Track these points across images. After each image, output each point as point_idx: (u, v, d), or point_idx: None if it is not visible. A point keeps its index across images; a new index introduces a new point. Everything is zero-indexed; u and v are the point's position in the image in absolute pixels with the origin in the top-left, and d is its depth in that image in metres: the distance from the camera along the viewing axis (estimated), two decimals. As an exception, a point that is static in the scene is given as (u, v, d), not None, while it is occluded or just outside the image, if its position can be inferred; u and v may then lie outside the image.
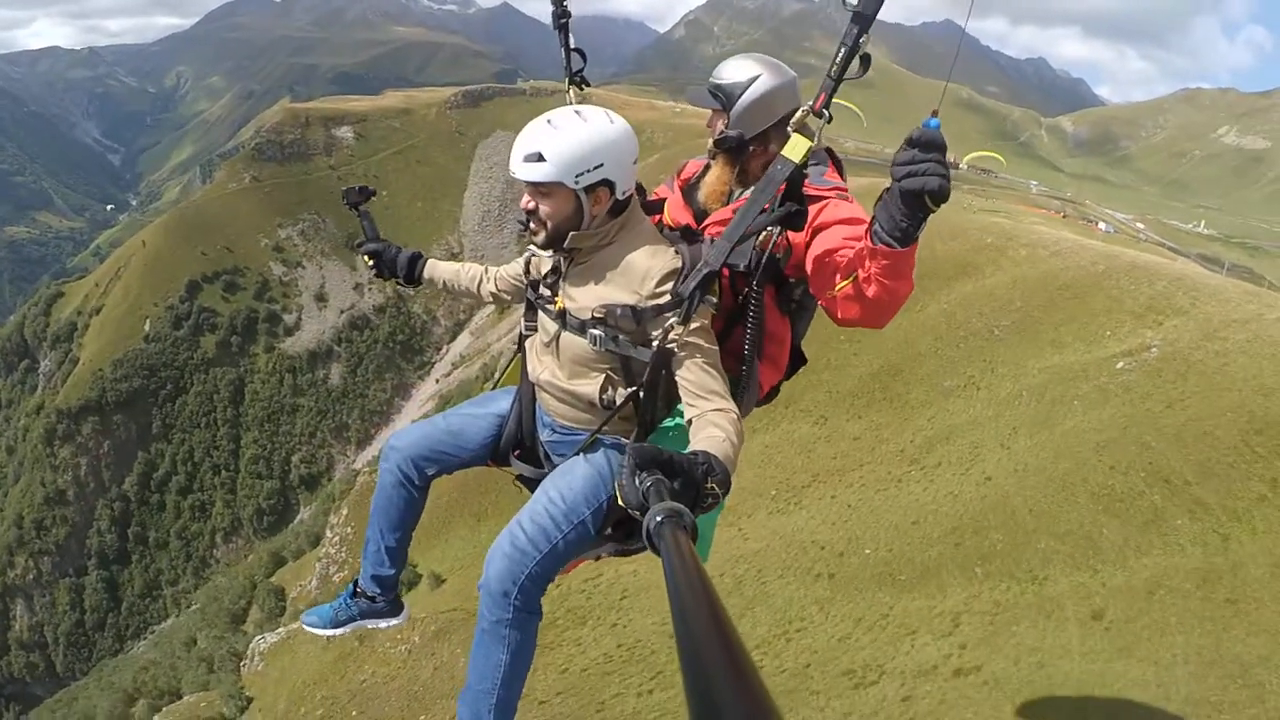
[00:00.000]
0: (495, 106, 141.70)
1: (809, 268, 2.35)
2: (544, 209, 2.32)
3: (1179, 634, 7.88)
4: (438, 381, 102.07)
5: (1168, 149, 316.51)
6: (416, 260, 3.02)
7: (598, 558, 2.79)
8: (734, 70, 2.54)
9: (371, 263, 2.99)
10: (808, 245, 2.37)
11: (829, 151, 2.65)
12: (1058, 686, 7.69)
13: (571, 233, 2.33)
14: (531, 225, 2.37)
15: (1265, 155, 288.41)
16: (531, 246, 2.58)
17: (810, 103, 2.22)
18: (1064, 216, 77.16)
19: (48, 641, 79.87)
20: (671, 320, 2.24)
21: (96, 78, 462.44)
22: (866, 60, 2.05)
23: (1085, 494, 11.39)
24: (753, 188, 2.31)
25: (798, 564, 13.74)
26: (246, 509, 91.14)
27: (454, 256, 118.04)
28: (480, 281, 3.01)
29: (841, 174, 2.64)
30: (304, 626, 3.12)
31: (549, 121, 2.26)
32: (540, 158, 2.22)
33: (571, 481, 2.44)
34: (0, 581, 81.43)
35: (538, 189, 2.30)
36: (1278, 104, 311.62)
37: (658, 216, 2.71)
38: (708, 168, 2.73)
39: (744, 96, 2.51)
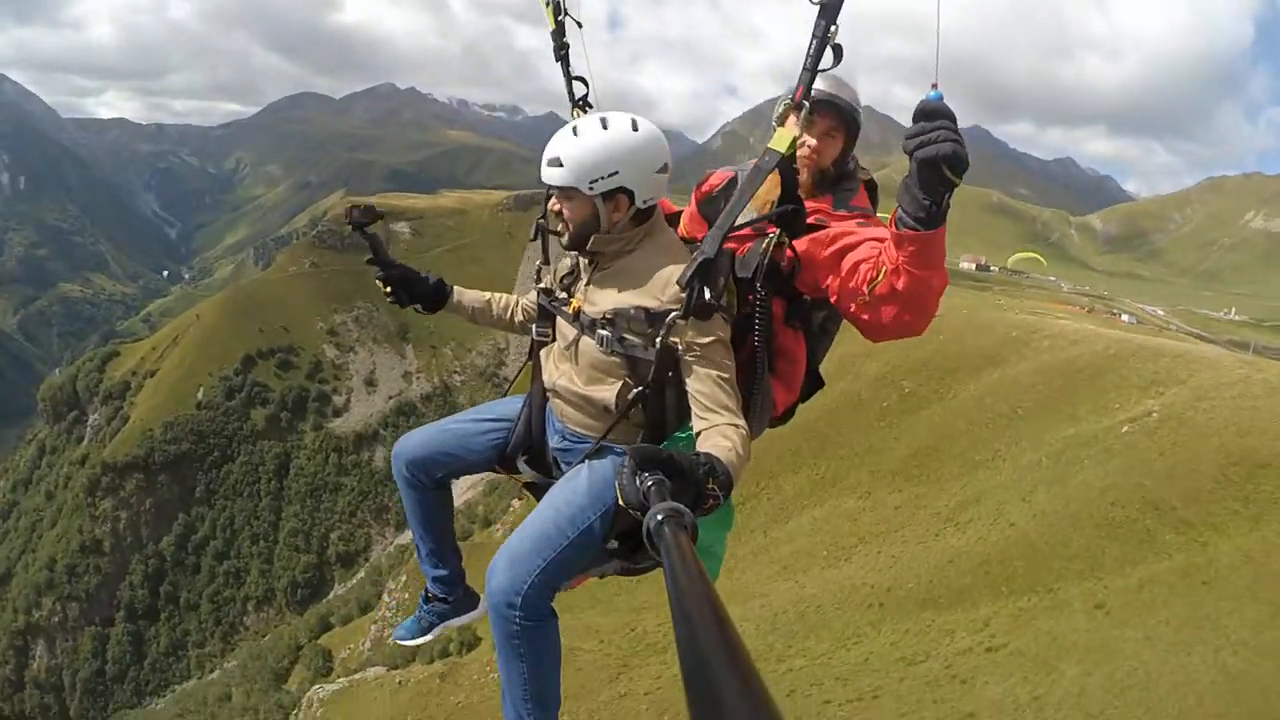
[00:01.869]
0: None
1: (839, 284, 2.33)
2: (565, 211, 2.37)
3: (1164, 609, 10.16)
4: (480, 475, 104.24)
5: (1196, 239, 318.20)
6: (441, 287, 2.97)
7: (602, 575, 2.77)
8: (836, 85, 2.52)
9: (389, 288, 2.89)
10: (836, 264, 2.36)
11: (868, 183, 2.70)
12: (1066, 651, 9.97)
13: (594, 236, 2.37)
14: (559, 225, 2.43)
15: None
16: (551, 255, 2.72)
17: (790, 94, 2.25)
18: (1089, 311, 79.56)
19: (64, 685, 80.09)
20: (675, 314, 2.22)
21: (160, 153, 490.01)
22: (839, 51, 2.09)
23: (1090, 526, 13.72)
24: (744, 177, 2.35)
25: (851, 599, 15.94)
26: (281, 580, 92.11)
27: (500, 352, 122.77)
28: (511, 310, 3.03)
29: (874, 200, 2.68)
30: (396, 642, 3.18)
31: (574, 128, 2.31)
32: (559, 163, 2.27)
33: (576, 487, 2.42)
34: (25, 620, 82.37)
35: (561, 192, 2.35)
36: None
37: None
38: (730, 182, 2.74)
39: (859, 120, 2.60)
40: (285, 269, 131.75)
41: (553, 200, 2.40)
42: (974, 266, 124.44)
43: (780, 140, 2.20)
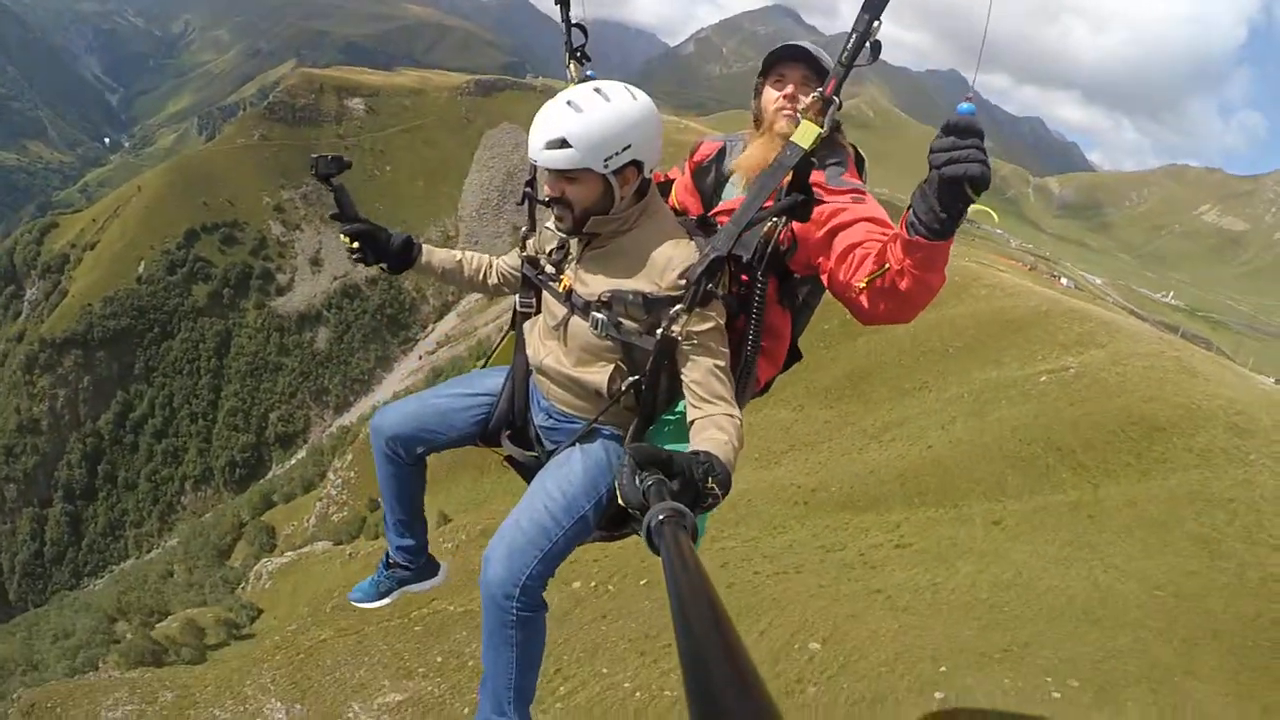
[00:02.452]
0: (505, 99, 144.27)
1: (831, 264, 2.32)
2: (571, 194, 2.22)
3: (1051, 532, 11.93)
4: (420, 358, 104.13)
5: (1149, 220, 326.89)
6: (410, 245, 2.80)
7: (580, 542, 2.74)
8: (813, 47, 2.53)
9: (356, 245, 2.70)
10: (828, 244, 2.35)
11: (855, 149, 2.66)
12: (963, 554, 11.71)
13: (594, 217, 2.26)
14: (557, 211, 2.29)
15: (1242, 237, 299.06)
16: (541, 224, 2.58)
17: (821, 89, 2.14)
18: (1031, 269, 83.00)
19: (2, 569, 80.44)
20: (679, 307, 2.17)
21: (104, 13, 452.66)
22: (877, 48, 2.02)
23: (999, 456, 15.54)
24: (760, 173, 2.26)
25: (779, 496, 17.68)
26: (219, 459, 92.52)
27: (449, 240, 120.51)
28: (485, 271, 2.90)
29: (861, 173, 2.64)
30: (351, 603, 3.17)
31: (569, 103, 2.14)
32: (565, 143, 2.10)
33: (570, 475, 2.39)
34: None
35: (563, 175, 2.19)
36: (1262, 189, 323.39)
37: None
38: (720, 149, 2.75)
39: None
40: (233, 140, 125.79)
41: (549, 186, 2.26)
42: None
43: (804, 135, 2.13)
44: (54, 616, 57.98)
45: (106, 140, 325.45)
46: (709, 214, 2.61)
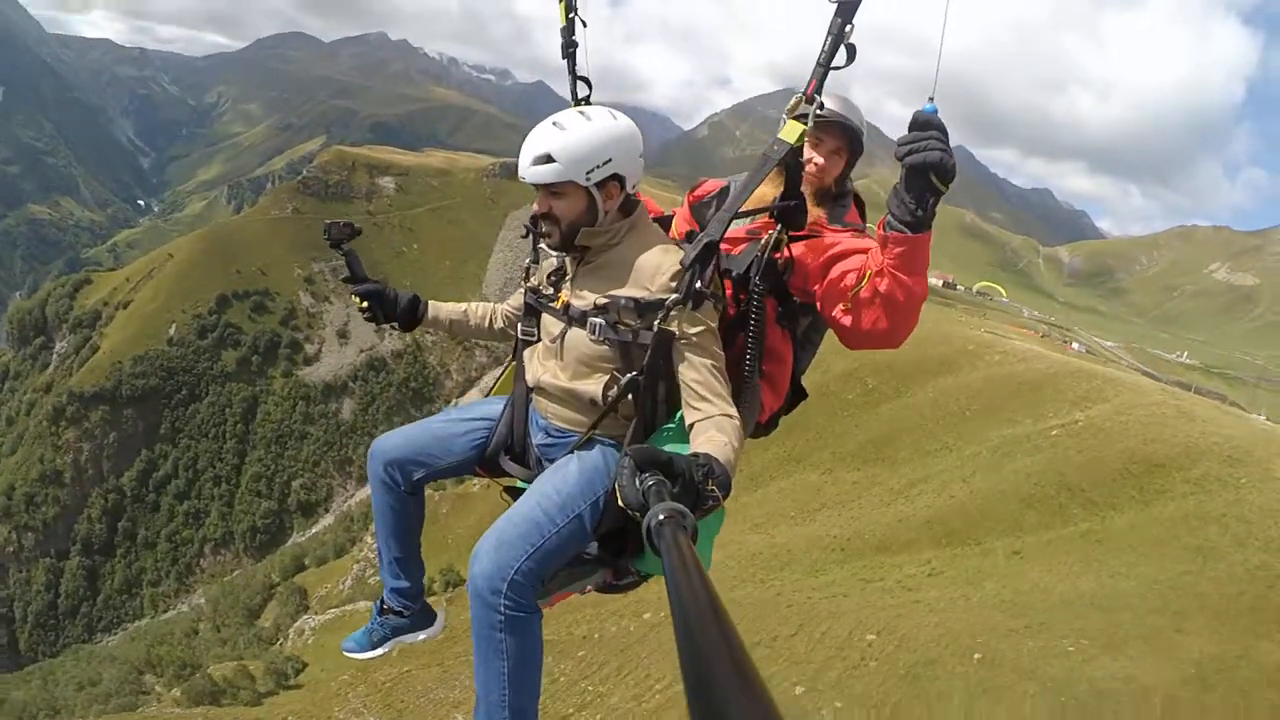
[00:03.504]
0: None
1: (824, 289, 2.40)
2: (557, 209, 2.33)
3: (1065, 556, 13.68)
4: None
5: (1160, 283, 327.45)
6: (416, 303, 2.88)
7: (586, 591, 2.73)
8: (846, 107, 2.64)
9: (365, 304, 2.79)
10: (824, 272, 2.42)
11: (855, 196, 2.77)
12: (988, 575, 13.44)
13: (583, 229, 2.34)
14: (544, 228, 2.38)
15: (1253, 292, 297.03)
16: (541, 249, 2.64)
17: (803, 90, 2.25)
18: (1043, 336, 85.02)
19: (15, 617, 79.33)
20: (675, 297, 2.23)
21: (141, 79, 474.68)
22: (852, 50, 2.11)
23: (1016, 499, 17.37)
24: (750, 170, 2.36)
25: (817, 545, 19.39)
26: (241, 524, 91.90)
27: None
28: (490, 318, 2.98)
29: (863, 216, 2.73)
30: (344, 653, 3.06)
31: (554, 123, 2.26)
32: (549, 158, 2.22)
33: (566, 476, 2.37)
34: None
35: (550, 190, 2.30)
36: (1269, 243, 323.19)
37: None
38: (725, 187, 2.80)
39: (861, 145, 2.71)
40: (266, 211, 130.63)
41: (537, 202, 2.37)
42: (941, 283, 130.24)
43: (789, 132, 2.24)
44: (70, 666, 57.77)
45: (142, 203, 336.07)
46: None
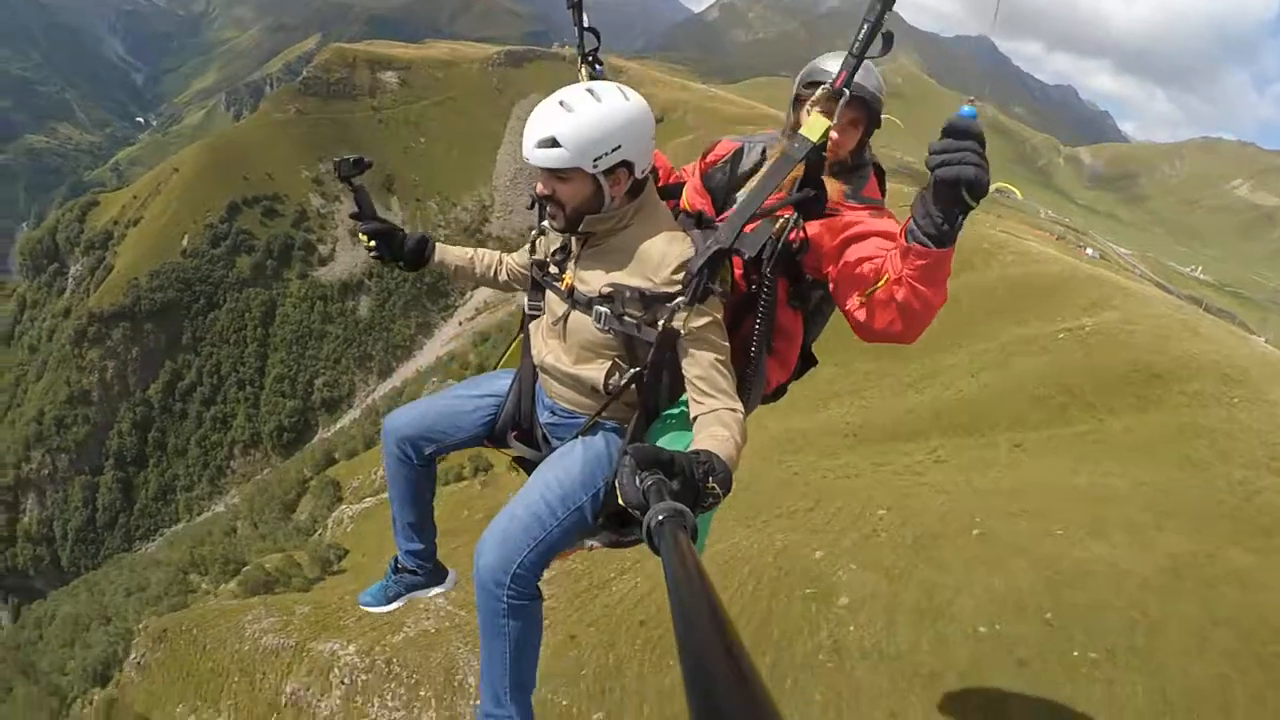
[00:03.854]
0: (535, 69, 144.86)
1: (839, 273, 2.32)
2: (561, 193, 2.24)
3: (1065, 453, 14.89)
4: (460, 324, 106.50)
5: (1181, 194, 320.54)
6: (424, 244, 2.88)
7: (590, 548, 2.77)
8: (864, 74, 2.35)
9: (373, 243, 2.79)
10: (839, 254, 2.33)
11: (875, 166, 2.63)
12: (991, 466, 14.67)
13: (588, 216, 2.27)
14: (549, 210, 2.31)
15: (1275, 213, 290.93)
16: (546, 224, 2.57)
17: (831, 81, 2.18)
18: (1058, 239, 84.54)
19: (55, 536, 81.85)
20: (680, 300, 2.18)
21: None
22: (889, 39, 2.03)
23: (1020, 397, 18.50)
24: (766, 166, 2.29)
25: (830, 430, 20.82)
26: (267, 425, 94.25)
27: (485, 209, 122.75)
28: (495, 268, 2.97)
29: (882, 188, 2.62)
30: (360, 606, 3.21)
31: (561, 103, 2.16)
32: (555, 142, 2.13)
33: (569, 466, 2.42)
34: (14, 474, 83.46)
35: (554, 174, 2.21)
36: None
37: (671, 202, 2.61)
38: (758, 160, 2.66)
39: (881, 110, 2.53)
40: (268, 116, 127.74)
41: (540, 183, 2.28)
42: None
43: (813, 128, 2.17)
44: (114, 576, 59.85)
45: (140, 119, 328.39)
46: (717, 214, 2.60)
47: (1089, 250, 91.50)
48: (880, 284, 2.09)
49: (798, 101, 2.54)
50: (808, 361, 2.80)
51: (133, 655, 22.34)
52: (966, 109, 1.81)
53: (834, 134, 2.32)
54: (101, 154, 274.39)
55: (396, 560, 3.08)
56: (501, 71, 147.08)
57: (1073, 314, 24.51)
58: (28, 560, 79.29)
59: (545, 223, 2.55)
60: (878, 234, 2.31)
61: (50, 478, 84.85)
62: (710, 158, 2.82)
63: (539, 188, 2.30)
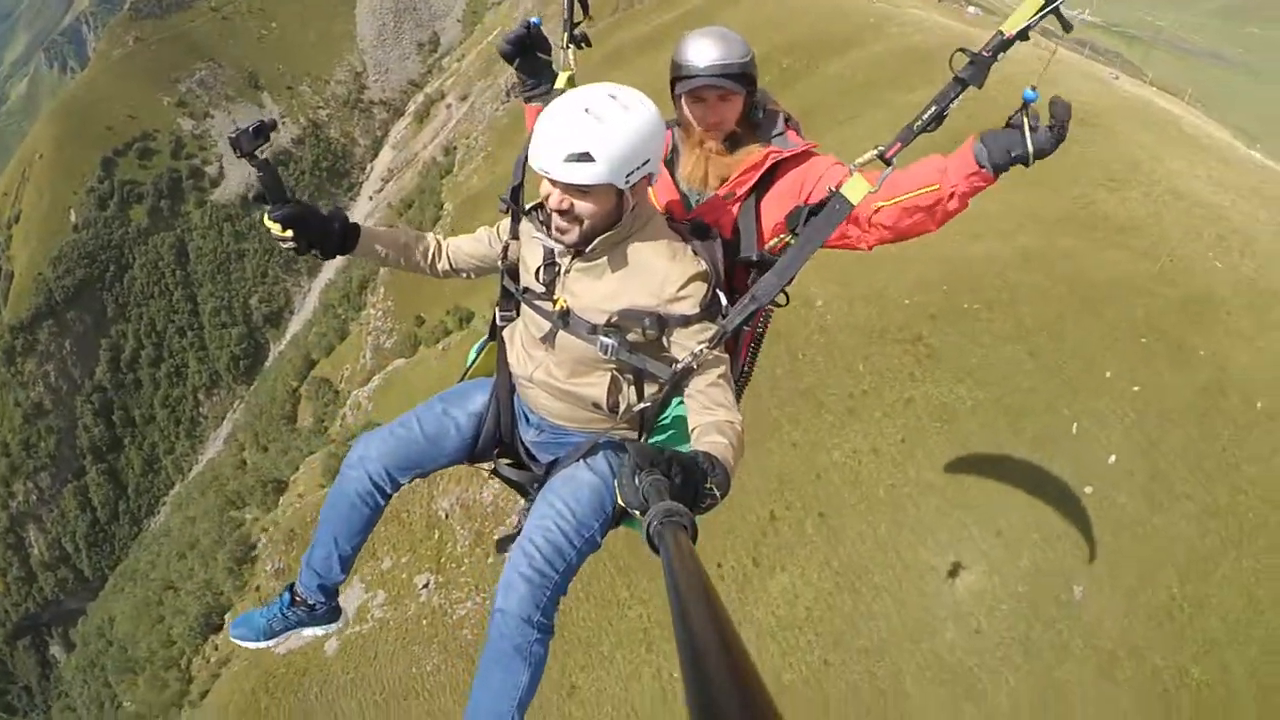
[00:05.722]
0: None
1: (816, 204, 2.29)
2: (581, 209, 2.09)
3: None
4: (370, 198, 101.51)
5: None
6: (346, 230, 2.49)
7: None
8: (720, 49, 2.35)
9: (289, 233, 2.37)
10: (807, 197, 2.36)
11: (786, 118, 2.62)
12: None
13: (605, 234, 2.14)
14: (559, 224, 2.14)
15: None
16: (525, 232, 2.44)
17: (884, 148, 2.21)
18: (939, 1, 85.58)
19: (68, 553, 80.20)
20: (702, 347, 2.14)
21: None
22: (941, 119, 2.16)
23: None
24: (809, 224, 2.23)
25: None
26: (221, 360, 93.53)
27: (358, 75, 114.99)
28: (433, 255, 2.66)
29: (800, 136, 2.61)
30: (232, 639, 2.90)
31: (588, 110, 1.98)
32: (588, 157, 1.96)
33: (578, 493, 2.37)
34: (6, 515, 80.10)
35: (577, 188, 2.05)
36: None
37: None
38: (675, 150, 2.59)
39: (753, 71, 2.44)
40: (108, 56, 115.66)
41: (556, 198, 2.09)
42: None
43: (855, 190, 2.18)
44: (149, 557, 59.56)
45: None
46: (688, 212, 2.55)
47: (970, 10, 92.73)
48: (926, 191, 2.24)
49: (675, 100, 2.52)
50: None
51: (268, 566, 24.55)
52: (1029, 93, 2.10)
53: (711, 119, 2.44)
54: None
55: (293, 592, 2.79)
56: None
57: (946, 74, 27.90)
58: (53, 588, 77.86)
59: (537, 235, 2.35)
60: (835, 164, 2.45)
61: (40, 501, 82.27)
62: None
63: (553, 202, 2.11)
